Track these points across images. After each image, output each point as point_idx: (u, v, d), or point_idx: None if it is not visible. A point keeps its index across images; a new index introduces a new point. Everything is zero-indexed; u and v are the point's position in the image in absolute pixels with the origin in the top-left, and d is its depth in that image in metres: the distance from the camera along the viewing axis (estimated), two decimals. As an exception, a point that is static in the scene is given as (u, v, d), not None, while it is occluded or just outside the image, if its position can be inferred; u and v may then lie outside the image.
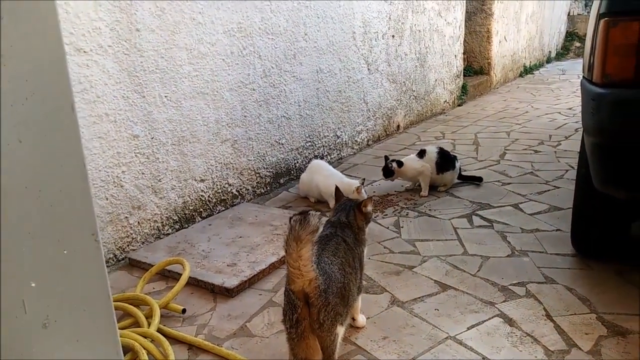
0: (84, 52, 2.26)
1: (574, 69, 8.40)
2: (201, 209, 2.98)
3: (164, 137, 2.69)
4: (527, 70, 8.37)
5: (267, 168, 3.44)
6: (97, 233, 0.68)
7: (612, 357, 1.70)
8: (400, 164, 3.21)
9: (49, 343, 0.67)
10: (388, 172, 3.21)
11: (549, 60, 9.53)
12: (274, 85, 3.39)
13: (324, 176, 3.12)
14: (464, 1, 5.99)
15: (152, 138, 2.63)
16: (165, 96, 2.66)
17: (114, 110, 2.42)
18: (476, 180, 3.42)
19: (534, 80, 7.82)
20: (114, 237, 2.50)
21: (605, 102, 1.76)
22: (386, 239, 2.67)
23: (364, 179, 3.17)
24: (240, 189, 3.25)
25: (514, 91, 7.01)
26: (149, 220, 2.67)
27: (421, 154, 3.26)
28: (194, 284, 2.25)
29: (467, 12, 6.30)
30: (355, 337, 1.88)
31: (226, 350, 1.81)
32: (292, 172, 3.66)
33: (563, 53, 10.21)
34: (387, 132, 4.82)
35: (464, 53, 6.26)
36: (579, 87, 2.03)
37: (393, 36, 4.67)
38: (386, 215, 3.00)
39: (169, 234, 2.77)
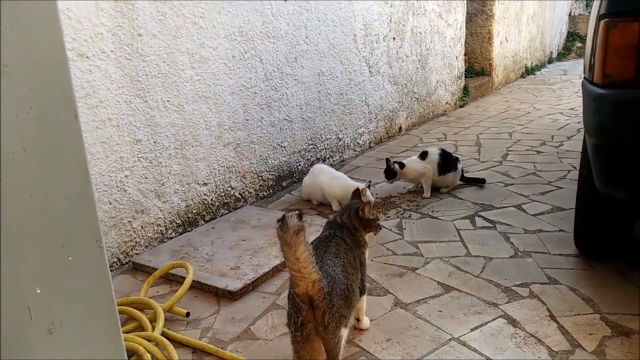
0: (87, 57, 2.28)
1: (576, 69, 8.39)
2: (204, 213, 2.99)
3: (166, 141, 2.70)
4: (529, 71, 8.36)
5: (269, 171, 3.45)
6: (100, 239, 0.69)
7: (616, 357, 1.70)
8: (402, 165, 3.21)
9: (55, 348, 0.68)
10: (390, 174, 3.21)
11: (550, 61, 9.52)
12: (275, 88, 3.40)
13: (329, 178, 3.13)
14: (465, 2, 6.00)
15: (155, 142, 2.64)
16: (168, 100, 2.67)
17: (116, 115, 2.43)
18: (479, 182, 3.42)
19: (535, 81, 7.82)
20: (117, 241, 2.51)
21: (606, 102, 1.76)
22: (389, 241, 2.67)
23: (370, 181, 3.17)
24: (243, 192, 3.25)
25: (516, 92, 7.00)
26: (153, 224, 2.68)
27: (423, 155, 3.26)
28: (198, 287, 2.26)
29: (468, 13, 6.30)
30: (359, 339, 1.88)
31: (230, 353, 1.81)
32: (295, 174, 3.67)
33: (564, 53, 10.20)
34: (389, 134, 4.82)
35: (465, 54, 6.26)
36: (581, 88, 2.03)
37: (394, 38, 4.67)
38: (389, 217, 3.00)
39: (172, 237, 2.78)
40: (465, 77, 6.38)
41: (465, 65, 6.32)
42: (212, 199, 3.03)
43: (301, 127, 3.68)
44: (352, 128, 4.27)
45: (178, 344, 1.89)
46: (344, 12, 3.96)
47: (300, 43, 3.56)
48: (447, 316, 1.99)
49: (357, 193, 2.01)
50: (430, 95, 5.48)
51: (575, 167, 3.59)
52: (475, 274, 2.29)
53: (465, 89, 6.30)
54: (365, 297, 1.86)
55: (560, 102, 6.12)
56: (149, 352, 1.76)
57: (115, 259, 2.52)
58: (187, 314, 2.06)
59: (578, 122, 4.94)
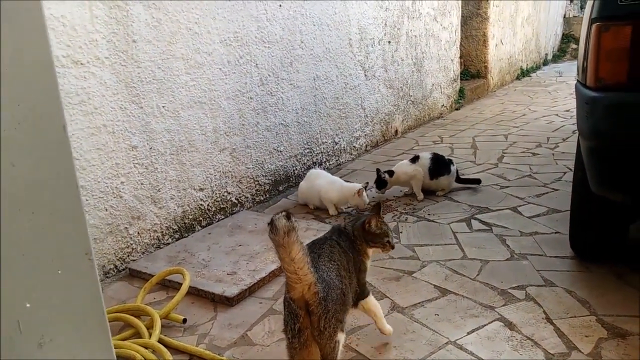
0: (81, 64, 2.28)
1: (571, 71, 8.42)
2: (201, 218, 2.99)
3: (162, 147, 2.70)
4: (524, 73, 8.40)
5: (265, 176, 3.45)
6: (90, 252, 0.69)
7: (612, 359, 1.71)
8: (391, 173, 3.25)
9: (45, 363, 0.67)
10: (381, 183, 3.25)
11: (545, 63, 9.56)
12: (271, 93, 3.40)
13: (325, 182, 3.14)
14: (460, 5, 6.03)
15: (151, 148, 2.64)
16: (163, 106, 2.68)
17: (112, 121, 2.43)
18: (475, 183, 3.43)
19: (531, 83, 7.85)
20: (114, 248, 2.51)
21: (598, 105, 1.77)
22: (385, 245, 2.67)
23: (367, 182, 3.18)
24: (240, 197, 3.25)
25: (511, 94, 7.03)
26: (149, 230, 2.68)
27: (414, 159, 3.30)
28: (195, 293, 2.26)
29: (462, 16, 6.33)
30: (356, 343, 1.88)
31: (227, 359, 1.81)
32: (291, 179, 3.67)
33: (559, 55, 10.25)
34: (385, 138, 4.83)
35: (460, 57, 6.29)
36: (575, 90, 2.04)
37: (389, 42, 4.69)
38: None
39: (168, 243, 2.78)
40: (461, 79, 6.40)
41: (460, 68, 6.35)
42: (208, 205, 3.03)
43: (297, 131, 3.69)
44: (348, 132, 4.28)
45: (175, 350, 1.88)
46: (339, 16, 3.97)
47: (296, 48, 3.57)
48: (444, 320, 1.99)
49: (377, 207, 1.88)
50: (426, 98, 5.49)
51: (570, 169, 3.60)
52: (471, 277, 2.30)
53: (461, 91, 6.32)
54: (370, 299, 1.80)
55: (556, 103, 6.15)
56: (146, 359, 1.76)
57: (112, 266, 2.52)
58: (184, 321, 2.06)
59: (573, 124, 4.96)
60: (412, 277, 2.34)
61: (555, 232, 2.67)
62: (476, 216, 2.96)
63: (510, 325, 1.93)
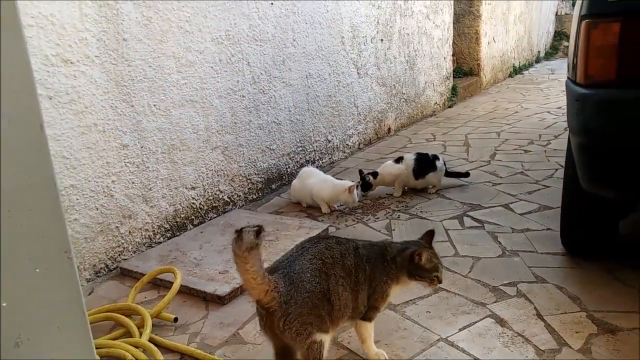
0: (71, 62, 2.26)
1: (563, 68, 8.45)
2: (192, 217, 2.97)
3: (153, 145, 2.69)
4: (517, 71, 8.42)
5: (258, 174, 3.44)
6: (70, 250, 0.68)
7: (602, 354, 1.72)
8: (375, 175, 3.28)
9: (22, 362, 0.67)
10: (366, 186, 3.28)
11: (538, 60, 9.60)
12: (263, 91, 3.40)
13: (317, 181, 3.14)
14: (452, 3, 6.03)
15: (142, 147, 2.63)
16: (154, 105, 2.66)
17: (102, 120, 2.42)
18: (463, 176, 3.45)
19: (523, 80, 7.88)
20: (105, 247, 2.50)
21: (588, 102, 1.78)
22: (378, 243, 2.67)
23: (359, 181, 3.19)
24: (232, 196, 3.25)
25: (504, 91, 7.05)
26: (140, 229, 2.67)
27: (398, 160, 3.32)
28: (186, 292, 2.25)
29: (455, 14, 6.34)
30: (348, 341, 1.88)
31: (218, 358, 1.81)
32: (284, 177, 3.67)
33: (552, 52, 10.29)
34: (379, 135, 4.83)
35: (453, 55, 6.30)
36: (566, 87, 2.05)
37: (382, 40, 4.69)
38: (378, 218, 3.01)
39: (160, 242, 2.77)
40: (454, 77, 6.41)
41: (453, 66, 6.36)
42: (200, 203, 3.02)
43: (290, 129, 3.68)
44: (341, 130, 4.28)
45: (166, 349, 1.88)
46: (331, 14, 3.96)
47: (288, 46, 3.56)
48: (436, 317, 1.99)
49: (429, 235, 1.76)
50: (418, 96, 5.50)
51: (562, 166, 3.60)
52: (463, 274, 2.30)
53: (454, 89, 6.33)
54: (367, 324, 1.70)
55: (548, 101, 6.17)
56: (136, 358, 1.75)
57: (103, 265, 2.50)
58: (175, 319, 2.05)
59: (565, 121, 4.95)
60: (404, 274, 2.34)
61: (547, 229, 2.69)
62: (468, 213, 2.97)
63: (501, 321, 1.93)
